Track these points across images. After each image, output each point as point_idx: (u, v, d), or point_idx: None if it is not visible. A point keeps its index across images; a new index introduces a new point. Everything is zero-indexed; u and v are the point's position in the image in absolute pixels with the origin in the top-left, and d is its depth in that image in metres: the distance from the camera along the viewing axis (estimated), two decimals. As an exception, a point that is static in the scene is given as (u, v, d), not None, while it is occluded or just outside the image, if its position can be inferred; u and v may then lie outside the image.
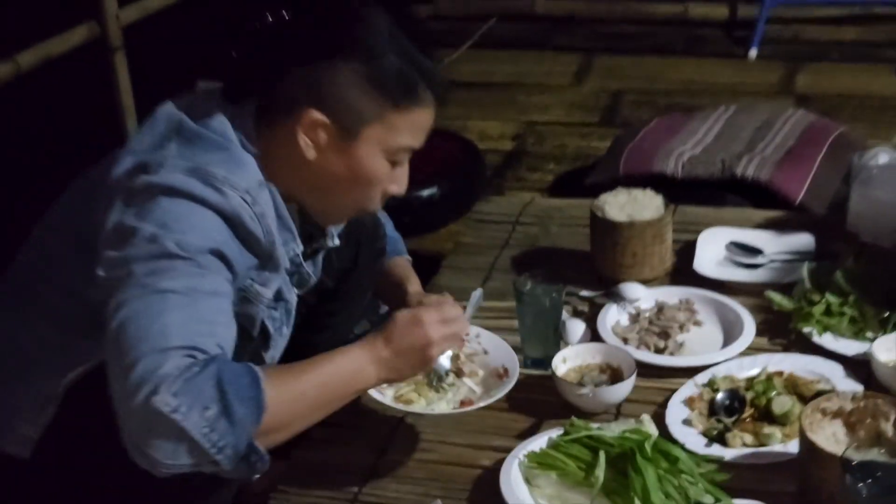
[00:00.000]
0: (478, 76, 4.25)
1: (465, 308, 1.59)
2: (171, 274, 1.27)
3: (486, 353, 1.72)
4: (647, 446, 1.48)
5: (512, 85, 4.19)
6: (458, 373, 1.68)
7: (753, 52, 4.33)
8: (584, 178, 3.00)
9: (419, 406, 1.63)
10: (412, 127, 1.46)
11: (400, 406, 1.62)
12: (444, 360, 1.62)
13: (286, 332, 1.57)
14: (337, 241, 1.66)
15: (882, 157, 2.11)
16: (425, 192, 2.94)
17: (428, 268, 2.13)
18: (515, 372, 1.66)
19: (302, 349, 1.56)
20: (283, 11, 1.44)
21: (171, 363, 1.20)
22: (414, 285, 1.79)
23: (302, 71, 1.41)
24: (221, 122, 1.41)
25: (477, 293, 1.66)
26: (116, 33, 3.00)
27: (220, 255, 1.33)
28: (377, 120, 1.42)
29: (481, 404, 1.61)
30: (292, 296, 1.55)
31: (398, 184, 1.52)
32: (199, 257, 1.30)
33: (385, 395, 1.62)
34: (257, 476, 1.29)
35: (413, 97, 1.43)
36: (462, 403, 1.63)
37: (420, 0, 5.13)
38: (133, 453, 1.22)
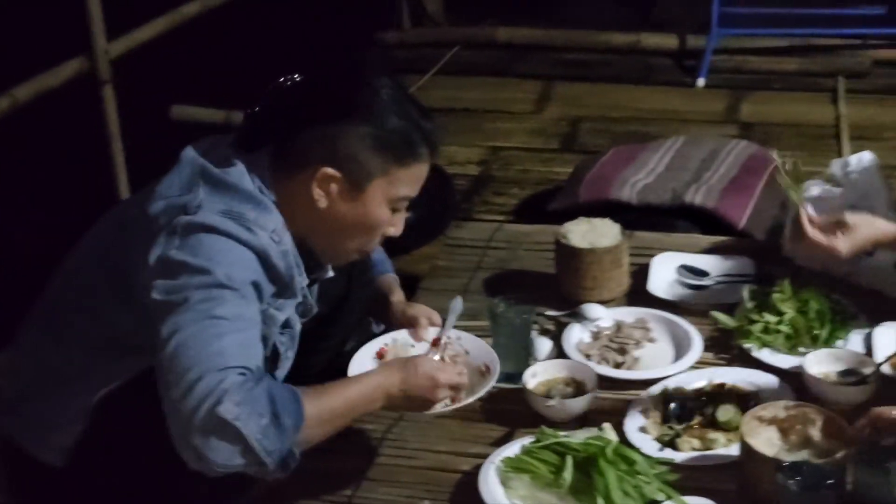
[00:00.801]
0: (444, 102, 4.43)
1: (444, 321, 1.82)
2: (221, 302, 1.47)
3: (467, 353, 1.88)
4: (609, 451, 1.65)
5: (477, 111, 4.37)
6: None
7: (701, 81, 4.56)
8: (546, 202, 3.21)
9: None
10: (412, 179, 1.67)
11: None
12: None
13: (291, 354, 1.75)
14: (332, 273, 1.85)
15: (815, 189, 2.32)
16: (399, 217, 3.11)
17: (405, 289, 2.30)
18: (496, 368, 1.83)
19: (298, 370, 1.76)
20: (301, 75, 1.64)
21: (231, 379, 1.41)
22: (397, 295, 1.99)
23: (315, 130, 1.60)
24: (241, 171, 1.60)
25: (457, 301, 1.87)
26: (105, 67, 3.16)
27: (257, 287, 1.54)
28: (382, 175, 1.62)
29: (469, 400, 1.76)
30: (297, 323, 1.74)
31: (396, 227, 1.71)
32: (244, 288, 1.50)
33: None
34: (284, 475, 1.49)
35: (414, 154, 1.64)
36: (453, 400, 1.77)
37: (388, 27, 5.33)
38: (188, 456, 1.41)
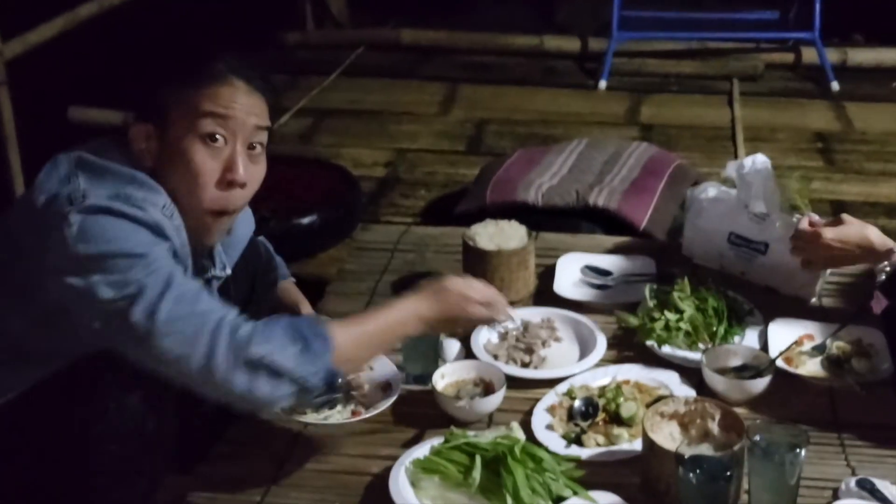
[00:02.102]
0: (349, 104, 4.44)
1: None
2: (169, 273, 1.49)
3: (371, 368, 1.93)
4: (516, 450, 1.68)
5: (382, 113, 4.38)
6: (348, 387, 1.88)
7: (603, 84, 4.66)
8: (453, 204, 3.23)
9: (313, 417, 1.84)
10: (210, 96, 1.60)
11: (296, 417, 1.82)
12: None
13: None
14: (228, 271, 1.83)
15: (710, 191, 2.40)
16: (306, 220, 3.05)
17: (312, 292, 2.30)
18: (398, 385, 1.89)
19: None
20: None
21: (243, 326, 1.48)
22: (306, 307, 2.01)
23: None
24: (115, 156, 1.59)
25: None
26: (0, 68, 3.07)
27: (175, 256, 1.55)
28: (179, 105, 1.59)
29: (369, 414, 1.82)
30: None
31: (231, 168, 1.62)
32: (171, 258, 1.52)
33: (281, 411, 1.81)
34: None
35: (209, 73, 1.60)
36: (353, 413, 1.85)
37: (290, 28, 5.30)
38: (240, 405, 1.51)
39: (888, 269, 2.02)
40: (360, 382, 1.92)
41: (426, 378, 1.99)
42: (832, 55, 4.68)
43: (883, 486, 1.66)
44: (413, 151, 4.00)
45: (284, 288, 2.07)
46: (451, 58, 5.03)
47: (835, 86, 4.51)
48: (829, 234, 2.06)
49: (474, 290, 1.77)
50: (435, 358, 2.06)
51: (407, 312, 1.69)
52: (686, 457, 1.58)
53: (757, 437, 1.62)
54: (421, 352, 2.04)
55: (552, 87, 4.72)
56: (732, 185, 2.36)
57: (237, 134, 1.62)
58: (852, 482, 1.68)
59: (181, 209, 1.61)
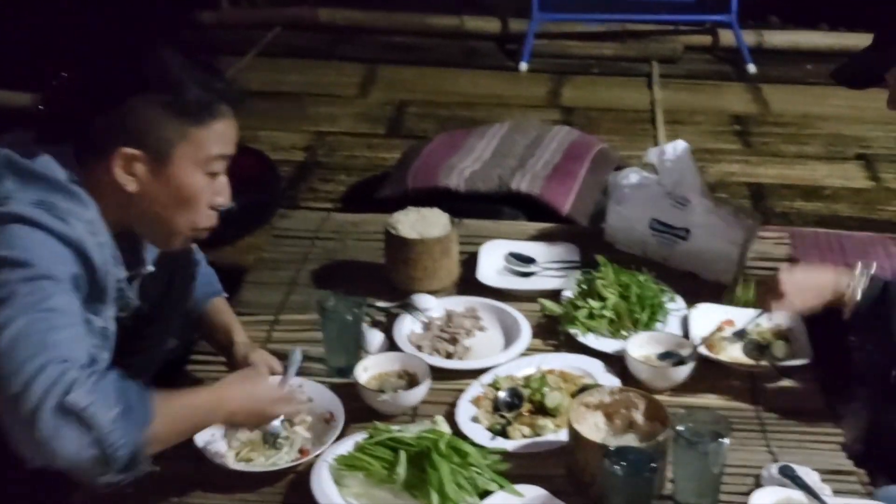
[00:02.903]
0: (266, 85, 4.34)
1: (286, 368, 1.81)
2: (49, 295, 1.42)
3: (310, 400, 1.86)
4: (441, 445, 1.65)
5: (300, 95, 4.30)
6: (290, 422, 1.82)
7: (524, 66, 4.64)
8: (374, 189, 3.19)
9: (261, 464, 1.75)
10: (218, 138, 1.60)
11: (241, 466, 1.74)
12: (276, 421, 1.77)
13: (106, 356, 1.66)
14: (151, 268, 1.78)
15: (633, 177, 2.40)
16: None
17: (229, 281, 2.22)
18: (341, 416, 1.82)
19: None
20: (79, 64, 1.58)
21: (75, 370, 1.38)
22: (240, 336, 1.95)
23: (108, 113, 1.54)
24: (48, 161, 1.52)
25: (296, 352, 1.84)
26: None
27: (76, 282, 1.48)
28: (183, 140, 1.56)
29: (317, 452, 1.74)
30: (111, 323, 1.66)
31: (222, 195, 1.65)
32: (66, 282, 1.45)
33: (227, 457, 1.75)
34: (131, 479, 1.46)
35: (212, 112, 1.58)
36: (301, 452, 1.77)
37: (204, 7, 5.16)
38: (32, 451, 1.37)
39: (856, 293, 1.84)
40: (302, 416, 1.84)
41: (348, 371, 1.95)
42: (749, 37, 4.73)
43: (804, 472, 1.68)
44: (332, 134, 3.94)
45: (217, 309, 2.00)
46: (370, 38, 4.97)
47: (751, 68, 4.58)
48: (787, 286, 1.90)
49: (276, 389, 1.74)
50: (357, 350, 2.02)
51: (218, 401, 1.61)
52: (611, 449, 1.57)
53: (681, 427, 1.62)
54: (343, 344, 2.01)
55: (473, 68, 4.70)
56: (654, 171, 2.36)
57: (226, 162, 1.66)
58: (774, 469, 1.69)
59: (138, 222, 1.61)
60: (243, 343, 1.93)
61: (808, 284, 1.89)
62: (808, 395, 1.96)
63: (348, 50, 4.85)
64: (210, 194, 1.63)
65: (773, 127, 4.03)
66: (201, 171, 1.60)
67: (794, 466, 1.69)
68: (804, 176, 3.57)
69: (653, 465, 1.55)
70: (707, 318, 2.12)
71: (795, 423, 1.88)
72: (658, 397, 1.78)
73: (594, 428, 1.73)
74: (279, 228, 2.65)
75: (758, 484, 1.71)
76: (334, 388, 1.92)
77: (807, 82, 4.49)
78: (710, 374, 1.99)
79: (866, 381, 2.09)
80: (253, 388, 1.66)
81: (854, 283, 1.83)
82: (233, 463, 1.75)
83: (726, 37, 4.78)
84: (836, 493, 1.67)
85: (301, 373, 1.89)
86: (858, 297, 1.82)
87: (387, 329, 2.13)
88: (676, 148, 2.26)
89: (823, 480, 1.69)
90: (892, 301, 1.78)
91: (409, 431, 1.73)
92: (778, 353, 2.03)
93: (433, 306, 2.20)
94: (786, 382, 1.98)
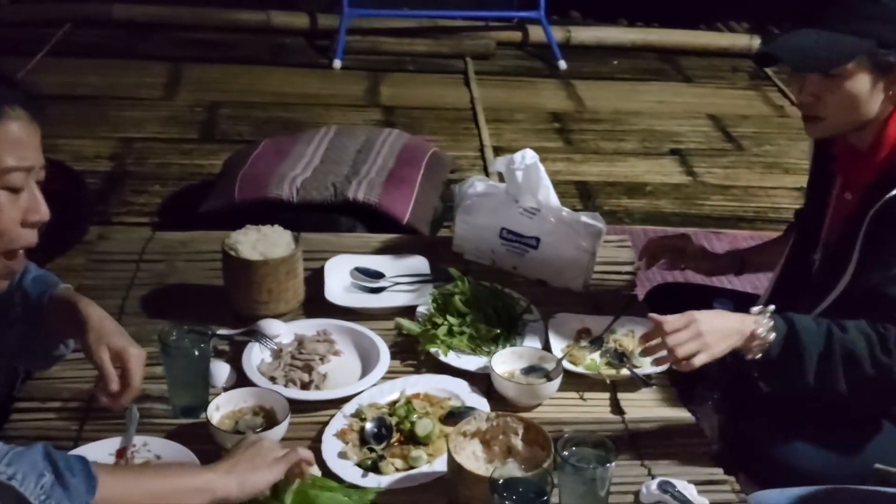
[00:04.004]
0: (59, 88, 4.03)
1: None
2: None
3: (158, 458, 1.69)
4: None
5: (100, 98, 4.02)
6: None
7: (338, 63, 4.53)
8: (194, 200, 3.00)
9: None
10: (7, 147, 1.42)
11: None
12: None
13: None
14: None
15: (479, 186, 2.34)
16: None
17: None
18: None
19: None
20: None
21: None
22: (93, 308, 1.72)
23: None
24: None
25: (133, 410, 1.70)
26: None
27: None
28: None
29: None
30: None
31: (34, 209, 1.47)
32: None
33: None
34: None
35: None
36: None
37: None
38: None
39: (767, 337, 1.76)
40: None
41: (197, 410, 1.80)
42: (557, 33, 4.81)
43: (682, 486, 1.67)
44: (140, 140, 3.70)
45: (67, 296, 1.76)
46: (171, 35, 4.72)
47: (562, 64, 4.65)
48: (708, 337, 1.74)
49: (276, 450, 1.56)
50: (205, 387, 1.86)
51: (204, 487, 1.46)
52: (500, 482, 1.50)
53: (566, 453, 1.57)
54: (189, 381, 1.84)
55: (284, 66, 4.55)
56: (501, 179, 2.32)
57: (31, 173, 1.48)
58: (653, 485, 1.68)
59: None
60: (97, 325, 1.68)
61: (725, 331, 1.74)
62: (670, 403, 1.96)
63: (149, 48, 4.59)
64: (15, 212, 1.44)
65: (590, 124, 4.11)
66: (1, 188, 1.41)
67: (673, 481, 1.68)
68: (626, 173, 3.64)
69: (544, 497, 1.49)
70: (564, 328, 2.10)
71: (662, 432, 1.87)
72: (523, 414, 1.73)
73: (472, 457, 1.66)
74: (99, 252, 2.42)
75: (637, 501, 1.69)
76: (182, 432, 1.76)
77: (615, 78, 4.61)
78: (574, 387, 1.96)
79: (718, 386, 2.14)
80: (247, 475, 1.50)
81: (763, 328, 1.75)
82: None
83: (536, 33, 4.85)
84: None
85: (144, 415, 1.74)
86: (771, 338, 1.75)
87: (233, 359, 1.97)
88: (525, 157, 2.22)
89: (700, 493, 1.69)
90: (800, 340, 1.75)
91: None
92: (636, 361, 2.03)
93: (282, 332, 2.06)
94: (647, 391, 1.98)
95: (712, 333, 1.71)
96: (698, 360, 1.71)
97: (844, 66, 1.77)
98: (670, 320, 1.72)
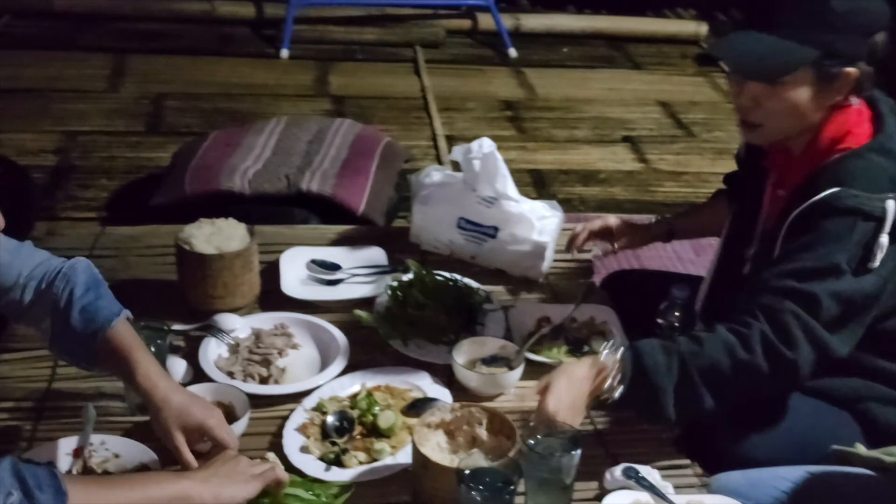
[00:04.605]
0: (0, 81, 3.92)
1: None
2: None
3: (117, 456, 1.66)
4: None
5: (42, 91, 3.92)
6: None
7: (285, 52, 4.46)
8: (142, 193, 2.95)
9: None
10: None
11: None
12: None
13: None
14: None
15: (436, 175, 2.33)
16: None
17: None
18: (157, 467, 1.63)
19: None
20: None
21: None
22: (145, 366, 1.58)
23: None
24: None
25: (90, 409, 1.67)
26: None
27: None
28: None
29: None
30: None
31: None
32: None
33: None
34: None
35: None
36: None
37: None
38: None
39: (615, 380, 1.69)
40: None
41: (153, 409, 1.76)
42: (506, 21, 4.80)
43: (647, 472, 1.67)
44: (85, 134, 3.61)
45: (122, 354, 1.59)
46: (113, 25, 4.62)
47: (512, 52, 4.64)
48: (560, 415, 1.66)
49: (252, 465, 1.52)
50: (162, 383, 1.82)
51: (177, 492, 1.42)
52: (467, 473, 1.49)
53: (531, 442, 1.56)
54: (145, 379, 1.80)
55: (230, 56, 4.47)
56: (456, 169, 2.30)
57: None
58: (617, 471, 1.68)
59: None
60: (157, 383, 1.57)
61: (571, 402, 1.66)
62: (631, 388, 1.97)
63: (91, 39, 4.48)
64: None
65: (542, 112, 4.10)
66: None
67: (637, 467, 1.68)
68: (579, 160, 3.65)
69: (511, 486, 1.48)
70: (524, 317, 2.10)
71: (623, 418, 1.87)
72: (487, 404, 1.72)
73: (437, 448, 1.64)
74: (46, 249, 2.35)
75: (602, 487, 1.69)
76: (139, 430, 1.72)
77: (566, 65, 4.61)
78: (536, 375, 1.95)
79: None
80: (223, 488, 1.45)
81: (612, 379, 1.68)
82: None
83: (485, 20, 4.83)
84: (677, 488, 1.68)
85: (101, 413, 1.71)
86: (621, 389, 1.67)
87: (189, 355, 1.93)
88: (482, 145, 2.21)
89: (663, 477, 1.69)
90: (651, 382, 1.66)
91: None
92: (597, 348, 2.02)
93: (238, 326, 2.03)
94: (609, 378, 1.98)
95: (564, 411, 1.63)
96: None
97: (790, 75, 1.71)
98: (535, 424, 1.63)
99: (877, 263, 1.69)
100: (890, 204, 1.68)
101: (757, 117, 1.80)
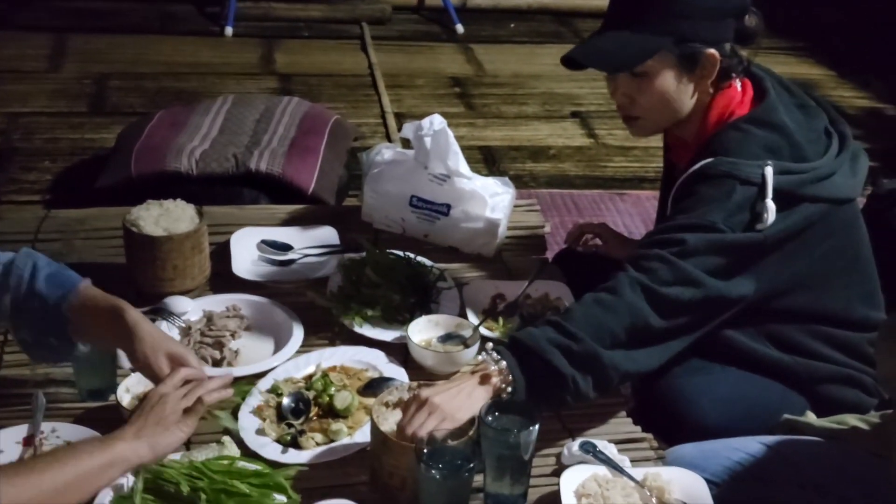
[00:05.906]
0: (-66, 62, 3.83)
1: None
2: None
3: (68, 443, 1.60)
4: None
5: (-21, 72, 3.83)
6: None
7: (229, 30, 4.40)
8: (87, 176, 2.89)
9: None
10: None
11: None
12: None
13: None
14: None
15: (387, 153, 2.31)
16: None
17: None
18: None
19: None
20: None
21: None
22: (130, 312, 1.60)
23: None
24: None
25: (39, 397, 1.65)
26: None
27: None
28: None
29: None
30: None
31: None
32: None
33: None
34: None
35: None
36: None
37: None
38: None
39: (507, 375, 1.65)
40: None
41: (105, 393, 1.74)
42: (453, -3, 4.78)
43: (604, 446, 1.68)
44: (26, 115, 3.53)
45: (92, 304, 1.61)
46: (52, 4, 4.50)
47: (459, 28, 4.62)
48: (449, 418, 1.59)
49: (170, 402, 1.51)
50: (113, 368, 1.79)
51: (111, 458, 1.41)
52: (425, 451, 1.49)
53: (489, 419, 1.56)
54: (96, 363, 1.77)
55: (174, 34, 4.39)
56: (406, 146, 2.29)
57: None
58: (575, 446, 1.69)
59: None
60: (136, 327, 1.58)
61: (458, 392, 1.61)
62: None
63: (29, 18, 4.37)
64: None
65: (491, 88, 4.09)
66: None
67: (594, 441, 1.69)
68: (529, 136, 3.65)
69: (470, 464, 1.48)
70: (479, 294, 2.10)
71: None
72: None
73: (396, 427, 1.63)
74: (-10, 233, 2.31)
75: (559, 462, 1.70)
76: (91, 416, 1.69)
77: (513, 41, 4.60)
78: (493, 352, 1.95)
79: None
80: (157, 438, 1.46)
81: (496, 377, 1.64)
82: None
83: (432, -4, 4.80)
84: (633, 461, 1.69)
85: (50, 400, 1.68)
86: (510, 379, 1.64)
87: (141, 340, 1.90)
88: (433, 122, 2.20)
89: (620, 451, 1.71)
90: (527, 346, 1.65)
91: (196, 456, 1.55)
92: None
93: (189, 308, 2.00)
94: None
95: (447, 402, 1.58)
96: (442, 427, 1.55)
97: (645, 63, 1.81)
98: (409, 414, 1.58)
99: (767, 225, 1.74)
100: (768, 170, 1.75)
101: (634, 111, 1.90)
